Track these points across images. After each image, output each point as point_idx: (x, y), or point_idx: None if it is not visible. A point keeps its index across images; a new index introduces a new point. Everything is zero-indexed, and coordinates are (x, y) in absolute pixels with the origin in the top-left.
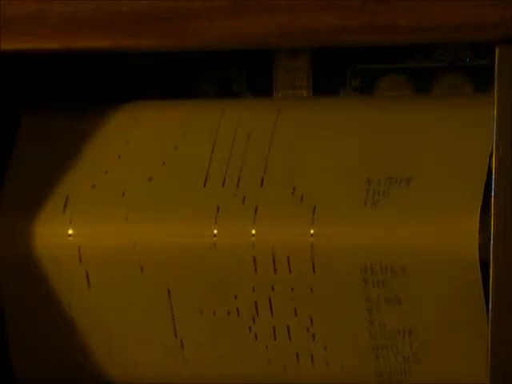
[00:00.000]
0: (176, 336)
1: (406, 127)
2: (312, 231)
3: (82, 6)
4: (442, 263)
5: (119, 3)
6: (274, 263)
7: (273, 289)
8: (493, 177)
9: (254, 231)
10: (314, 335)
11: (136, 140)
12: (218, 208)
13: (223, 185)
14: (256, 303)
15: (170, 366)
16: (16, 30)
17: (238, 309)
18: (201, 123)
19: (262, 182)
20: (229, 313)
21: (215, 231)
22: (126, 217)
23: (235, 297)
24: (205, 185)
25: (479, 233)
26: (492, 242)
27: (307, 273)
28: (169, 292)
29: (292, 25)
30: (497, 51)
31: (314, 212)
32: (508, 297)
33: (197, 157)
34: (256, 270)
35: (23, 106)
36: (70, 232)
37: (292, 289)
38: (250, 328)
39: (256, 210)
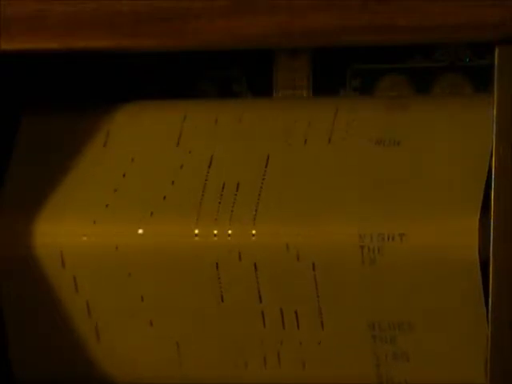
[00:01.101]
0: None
1: (406, 127)
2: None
3: (82, 6)
4: (442, 263)
5: (119, 3)
6: (282, 319)
7: (281, 343)
8: (493, 177)
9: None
10: None
11: (136, 140)
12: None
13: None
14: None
15: (169, 366)
16: (16, 30)
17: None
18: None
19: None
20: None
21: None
22: (125, 217)
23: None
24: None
25: (479, 233)
26: (492, 242)
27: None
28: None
29: (292, 25)
30: (497, 51)
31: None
32: (508, 297)
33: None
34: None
35: (23, 106)
36: (71, 232)
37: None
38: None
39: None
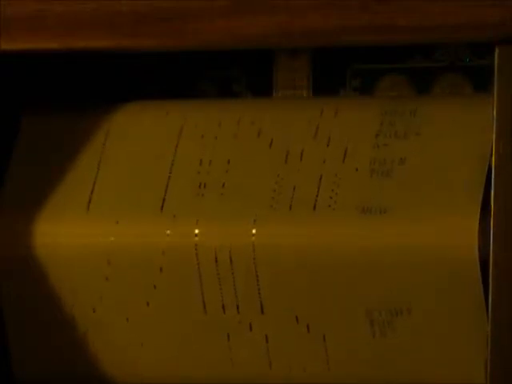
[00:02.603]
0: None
1: (406, 127)
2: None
3: (81, 6)
4: (442, 263)
5: (119, 3)
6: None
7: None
8: (493, 176)
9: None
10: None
11: (135, 140)
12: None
13: (223, 185)
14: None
15: (169, 366)
16: (16, 30)
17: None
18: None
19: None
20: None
21: (196, 231)
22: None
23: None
24: (205, 186)
25: (479, 233)
26: (492, 242)
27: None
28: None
29: (292, 25)
30: (497, 51)
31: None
32: (508, 297)
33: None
34: None
35: (23, 106)
36: (71, 232)
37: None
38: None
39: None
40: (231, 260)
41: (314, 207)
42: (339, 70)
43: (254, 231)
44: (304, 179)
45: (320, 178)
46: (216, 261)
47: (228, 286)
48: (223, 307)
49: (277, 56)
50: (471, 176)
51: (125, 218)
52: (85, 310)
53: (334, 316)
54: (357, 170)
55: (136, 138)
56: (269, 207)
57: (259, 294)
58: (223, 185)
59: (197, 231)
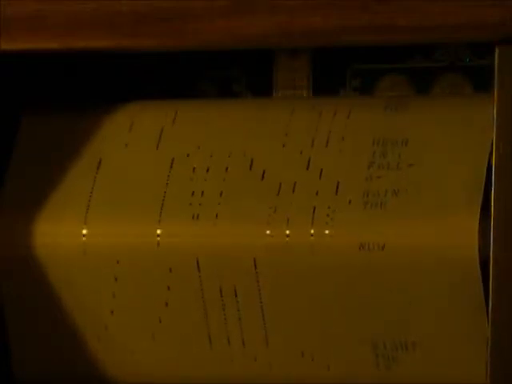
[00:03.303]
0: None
1: (406, 127)
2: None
3: (82, 6)
4: (442, 263)
5: (119, 3)
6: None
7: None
8: (493, 176)
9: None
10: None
11: (135, 140)
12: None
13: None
14: None
15: (169, 366)
16: (16, 30)
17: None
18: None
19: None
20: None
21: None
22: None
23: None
24: (202, 193)
25: (479, 233)
26: (492, 242)
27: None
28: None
29: (292, 25)
30: (497, 51)
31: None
32: (508, 297)
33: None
34: None
35: (23, 106)
36: (70, 231)
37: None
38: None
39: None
40: (236, 293)
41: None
42: (339, 70)
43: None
44: (297, 212)
45: (313, 211)
46: (221, 293)
47: (233, 318)
48: (228, 340)
49: (277, 56)
50: (471, 176)
51: (125, 218)
52: (85, 309)
53: (339, 347)
54: (350, 202)
55: (136, 138)
56: (266, 235)
57: (264, 325)
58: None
59: (196, 232)
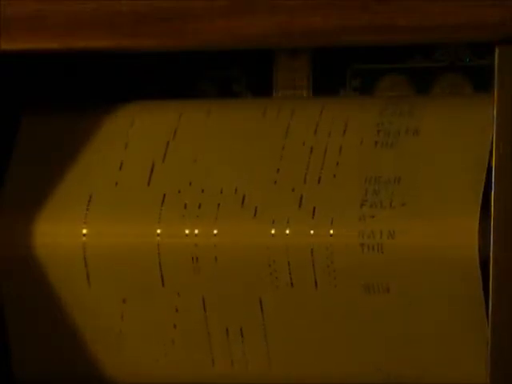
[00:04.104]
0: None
1: (406, 127)
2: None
3: (82, 6)
4: (442, 263)
5: (119, 3)
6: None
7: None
8: (493, 177)
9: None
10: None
11: (135, 140)
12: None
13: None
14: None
15: (169, 366)
16: (16, 30)
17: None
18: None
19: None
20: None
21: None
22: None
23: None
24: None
25: (479, 233)
26: (492, 242)
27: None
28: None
29: (292, 25)
30: (497, 51)
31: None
32: (508, 297)
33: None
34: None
35: (23, 106)
36: (70, 232)
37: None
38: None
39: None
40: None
41: (316, 285)
42: (339, 70)
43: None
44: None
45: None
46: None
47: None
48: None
49: (277, 56)
50: (471, 176)
51: (125, 218)
52: (85, 310)
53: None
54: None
55: (135, 138)
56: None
57: (268, 352)
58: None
59: (196, 231)
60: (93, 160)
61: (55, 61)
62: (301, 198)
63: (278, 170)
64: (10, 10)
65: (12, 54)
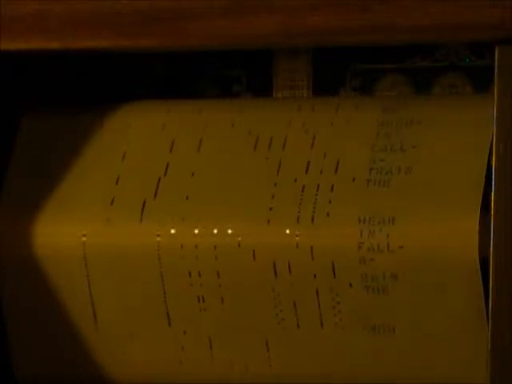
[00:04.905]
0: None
1: (406, 127)
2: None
3: (81, 6)
4: (442, 264)
5: (119, 3)
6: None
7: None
8: (493, 177)
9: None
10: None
11: (135, 140)
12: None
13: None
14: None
15: (169, 366)
16: (16, 30)
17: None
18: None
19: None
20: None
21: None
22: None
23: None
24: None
25: (479, 233)
26: (492, 242)
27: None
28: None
29: (292, 25)
30: (497, 51)
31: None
32: (508, 297)
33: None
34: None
35: (23, 106)
36: (70, 232)
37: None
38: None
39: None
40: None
41: (322, 325)
42: (339, 70)
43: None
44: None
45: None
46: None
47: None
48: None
49: (277, 56)
50: (471, 176)
51: (124, 217)
52: (85, 309)
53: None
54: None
55: (135, 138)
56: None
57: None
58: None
59: (196, 231)
60: (93, 159)
61: (55, 61)
62: (296, 236)
63: (271, 208)
64: (10, 10)
65: (12, 54)
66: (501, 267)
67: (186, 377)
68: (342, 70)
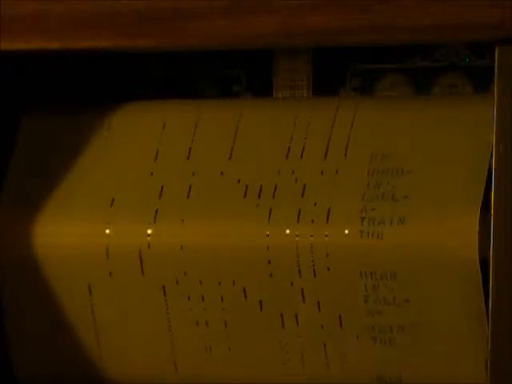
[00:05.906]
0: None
1: (406, 127)
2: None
3: (81, 6)
4: (442, 263)
5: (119, 3)
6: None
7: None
8: (493, 177)
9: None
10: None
11: (135, 140)
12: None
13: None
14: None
15: (169, 366)
16: (16, 30)
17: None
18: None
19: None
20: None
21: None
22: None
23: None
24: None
25: (479, 233)
26: (492, 242)
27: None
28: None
29: (292, 25)
30: (497, 51)
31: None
32: (508, 297)
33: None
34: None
35: (23, 106)
36: (70, 232)
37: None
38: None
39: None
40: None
41: (328, 366)
42: (339, 70)
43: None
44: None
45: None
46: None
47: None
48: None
49: (277, 56)
50: (471, 176)
51: (124, 217)
52: (85, 309)
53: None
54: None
55: (135, 138)
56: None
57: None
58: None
59: (196, 231)
60: (93, 159)
61: (55, 61)
62: (301, 290)
63: (270, 261)
64: (10, 10)
65: (12, 54)
66: (501, 267)
67: (184, 377)
68: (341, 70)
